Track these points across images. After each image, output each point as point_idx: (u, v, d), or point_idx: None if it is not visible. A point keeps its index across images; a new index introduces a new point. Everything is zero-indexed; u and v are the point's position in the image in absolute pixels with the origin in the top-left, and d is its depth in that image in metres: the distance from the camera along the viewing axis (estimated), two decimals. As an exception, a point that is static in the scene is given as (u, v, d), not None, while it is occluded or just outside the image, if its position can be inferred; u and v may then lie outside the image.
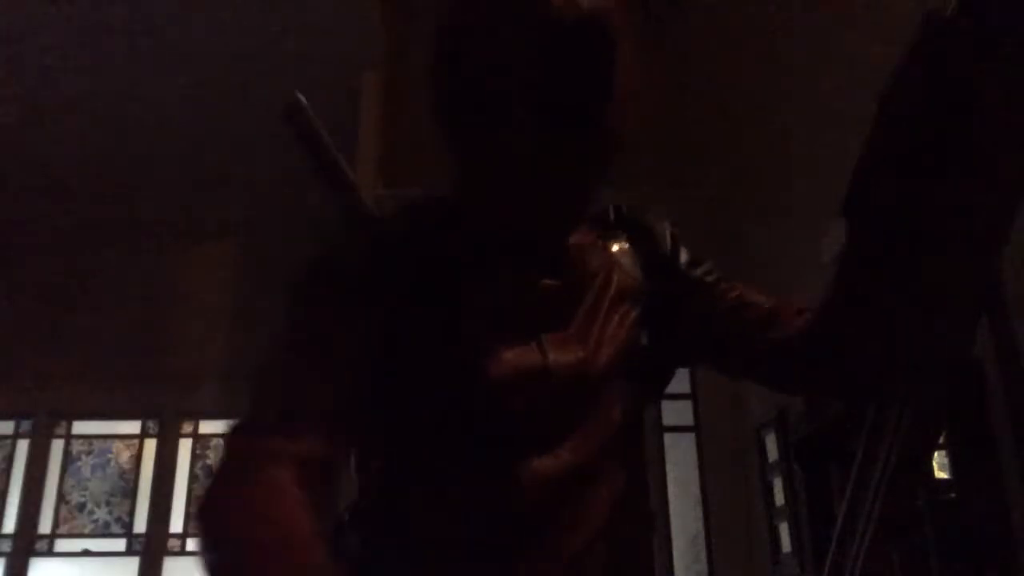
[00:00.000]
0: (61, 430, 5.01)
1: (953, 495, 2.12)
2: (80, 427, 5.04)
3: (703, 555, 3.76)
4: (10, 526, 4.77)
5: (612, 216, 0.97)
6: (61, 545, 4.82)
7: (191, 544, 4.82)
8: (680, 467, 3.87)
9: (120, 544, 4.82)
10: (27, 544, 4.74)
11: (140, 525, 4.82)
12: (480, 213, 0.87)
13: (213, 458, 5.03)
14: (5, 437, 4.95)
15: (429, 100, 0.85)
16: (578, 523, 0.85)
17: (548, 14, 0.76)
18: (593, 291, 0.89)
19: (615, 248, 0.95)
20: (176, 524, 4.83)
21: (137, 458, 4.99)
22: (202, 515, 0.71)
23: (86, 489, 4.94)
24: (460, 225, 0.87)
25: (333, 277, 0.85)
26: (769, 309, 0.93)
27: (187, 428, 5.04)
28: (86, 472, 4.98)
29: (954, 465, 2.13)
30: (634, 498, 0.94)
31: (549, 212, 0.84)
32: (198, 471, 4.98)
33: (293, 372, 0.79)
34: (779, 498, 3.18)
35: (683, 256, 0.98)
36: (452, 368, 0.83)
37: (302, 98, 0.92)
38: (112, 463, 5.01)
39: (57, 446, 4.97)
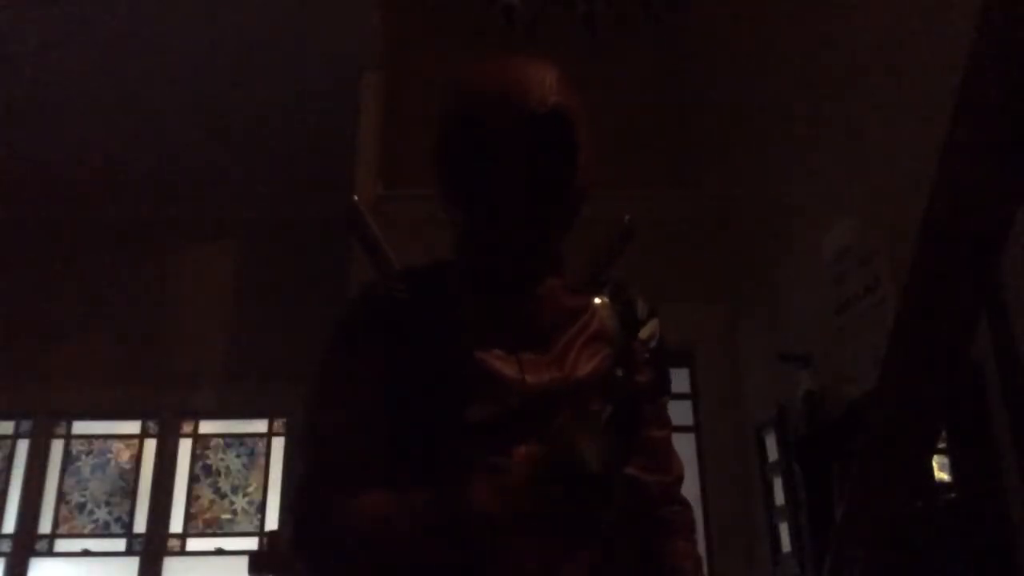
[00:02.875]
0: (61, 430, 5.01)
1: (953, 495, 2.12)
2: (80, 427, 5.04)
3: (703, 554, 3.75)
4: (10, 526, 4.77)
5: (601, 280, 1.15)
6: (61, 545, 4.82)
7: (191, 544, 4.82)
8: (680, 467, 3.86)
9: (120, 544, 4.82)
10: (27, 544, 4.74)
11: (140, 525, 4.82)
12: (475, 260, 1.07)
13: (212, 458, 5.03)
14: (5, 437, 4.95)
15: (434, 177, 1.06)
16: (574, 519, 0.96)
17: (527, 107, 1.00)
18: (574, 327, 1.07)
19: (596, 300, 1.12)
20: (176, 524, 4.83)
21: (137, 458, 4.99)
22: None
23: (86, 489, 4.94)
24: (460, 273, 1.08)
25: (362, 321, 1.07)
26: (648, 476, 1.19)
27: (187, 428, 5.04)
28: (86, 472, 4.98)
29: (954, 465, 2.12)
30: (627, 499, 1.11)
31: (530, 256, 1.05)
32: (198, 471, 4.99)
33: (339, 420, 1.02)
34: (779, 498, 3.17)
35: (653, 344, 1.15)
36: (448, 376, 1.01)
37: (356, 199, 1.13)
38: (112, 463, 5.01)
39: (57, 446, 4.97)
